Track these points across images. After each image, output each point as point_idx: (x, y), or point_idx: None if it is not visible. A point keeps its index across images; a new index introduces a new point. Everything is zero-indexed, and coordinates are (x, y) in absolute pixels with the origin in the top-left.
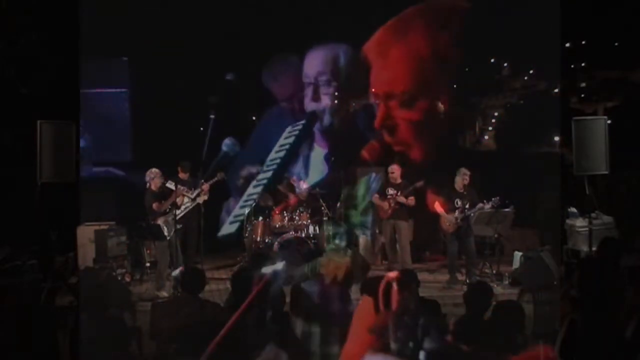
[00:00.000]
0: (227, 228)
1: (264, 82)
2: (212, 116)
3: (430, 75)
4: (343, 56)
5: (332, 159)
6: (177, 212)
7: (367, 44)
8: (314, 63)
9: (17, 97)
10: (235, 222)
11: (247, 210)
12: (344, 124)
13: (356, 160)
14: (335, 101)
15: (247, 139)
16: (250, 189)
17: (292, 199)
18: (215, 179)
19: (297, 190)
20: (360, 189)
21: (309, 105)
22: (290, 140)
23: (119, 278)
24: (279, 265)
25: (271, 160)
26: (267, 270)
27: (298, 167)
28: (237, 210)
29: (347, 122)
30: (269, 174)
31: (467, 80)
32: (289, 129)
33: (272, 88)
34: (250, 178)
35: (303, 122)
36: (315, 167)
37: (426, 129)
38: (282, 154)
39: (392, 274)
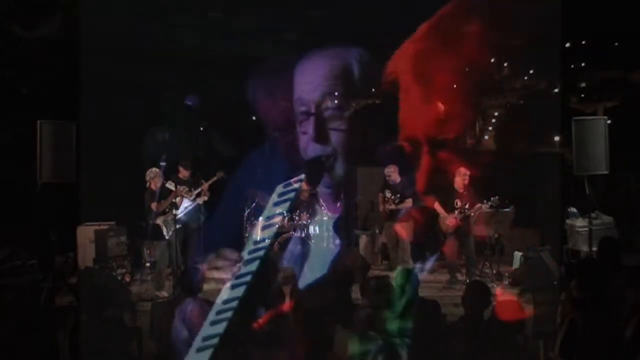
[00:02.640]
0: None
1: (249, 99)
2: (162, 163)
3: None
4: (357, 66)
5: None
6: (177, 212)
7: (395, 59)
8: (312, 80)
9: (17, 97)
10: (205, 348)
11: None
12: (366, 176)
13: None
14: (351, 139)
15: (218, 200)
16: (224, 294)
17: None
18: (215, 177)
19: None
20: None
21: (309, 149)
22: (283, 207)
23: (119, 278)
24: None
25: (256, 242)
26: None
27: (293, 249)
28: (206, 329)
29: (370, 173)
30: (254, 266)
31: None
32: (279, 189)
33: (258, 111)
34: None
35: (300, 177)
36: (318, 242)
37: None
38: (270, 231)
39: None
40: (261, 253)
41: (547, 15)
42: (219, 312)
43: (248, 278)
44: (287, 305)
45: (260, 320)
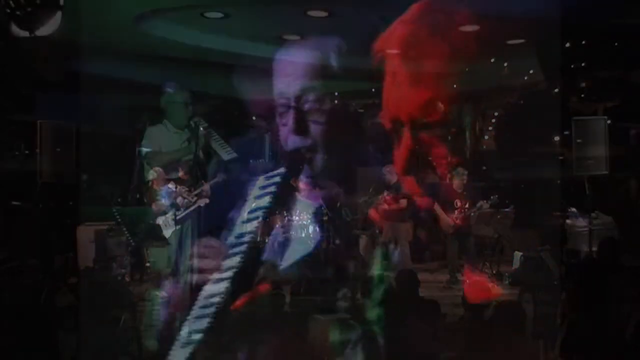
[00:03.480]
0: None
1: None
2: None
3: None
4: (335, 56)
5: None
6: (177, 212)
7: (380, 41)
8: (291, 71)
9: (17, 97)
10: (189, 343)
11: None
12: (346, 165)
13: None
14: (332, 132)
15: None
16: (208, 289)
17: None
18: (215, 179)
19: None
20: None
21: (289, 141)
22: (265, 200)
23: (119, 278)
24: None
25: (237, 237)
26: None
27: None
28: (191, 324)
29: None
30: (236, 260)
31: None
32: (260, 181)
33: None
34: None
35: (281, 170)
36: (300, 232)
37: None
38: (251, 226)
39: None
40: (244, 247)
41: (547, 15)
42: (202, 307)
43: (231, 273)
44: (265, 288)
45: (238, 303)
